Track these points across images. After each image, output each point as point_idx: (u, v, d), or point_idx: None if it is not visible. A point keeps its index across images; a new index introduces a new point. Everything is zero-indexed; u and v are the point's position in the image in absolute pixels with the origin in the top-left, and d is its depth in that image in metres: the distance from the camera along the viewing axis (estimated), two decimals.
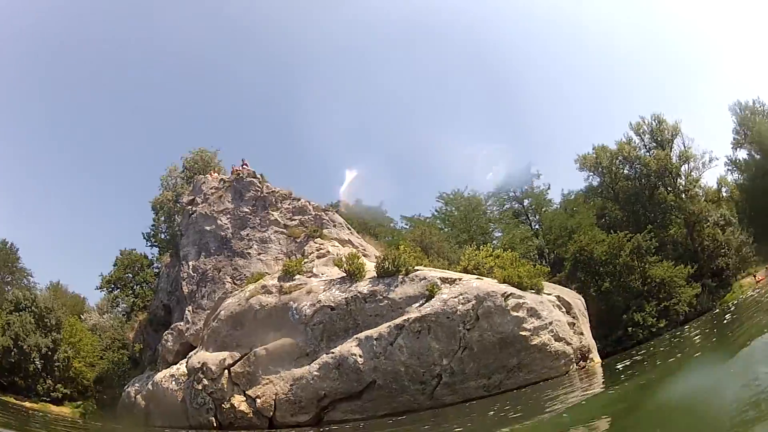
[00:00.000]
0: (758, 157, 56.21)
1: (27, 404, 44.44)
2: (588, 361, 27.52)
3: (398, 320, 25.60)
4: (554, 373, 24.64)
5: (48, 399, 46.19)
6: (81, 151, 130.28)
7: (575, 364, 25.91)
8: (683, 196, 51.61)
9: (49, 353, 47.59)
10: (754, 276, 48.21)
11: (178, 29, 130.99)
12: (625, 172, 53.21)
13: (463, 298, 25.09)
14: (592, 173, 54.11)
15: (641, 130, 53.73)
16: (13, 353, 47.21)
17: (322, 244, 36.09)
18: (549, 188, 58.32)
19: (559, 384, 23.08)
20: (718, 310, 41.96)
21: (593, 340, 29.57)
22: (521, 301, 24.96)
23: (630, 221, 50.19)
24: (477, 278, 27.55)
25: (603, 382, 23.07)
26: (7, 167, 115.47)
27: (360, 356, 25.58)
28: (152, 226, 51.71)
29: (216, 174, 43.84)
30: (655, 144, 53.25)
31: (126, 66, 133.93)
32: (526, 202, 57.86)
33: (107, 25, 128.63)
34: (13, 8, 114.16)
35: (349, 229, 40.02)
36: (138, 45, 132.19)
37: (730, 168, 58.33)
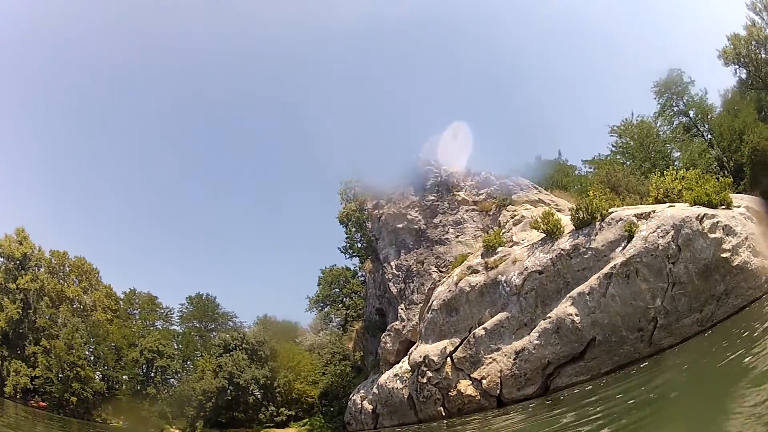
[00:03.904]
0: None
1: None
2: None
3: (605, 269, 28.83)
4: (758, 293, 26.32)
5: (272, 424, 55.48)
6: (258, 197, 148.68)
7: None
8: None
9: (268, 382, 57.06)
10: None
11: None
12: (763, 56, 52.72)
13: (661, 230, 27.72)
14: (736, 66, 54.27)
15: (757, 8, 53.03)
16: (229, 391, 57.35)
17: (514, 210, 40.62)
18: (706, 93, 58.93)
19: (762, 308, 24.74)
20: None
21: None
22: (715, 220, 27.02)
23: None
24: (669, 206, 29.99)
25: None
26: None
27: (576, 315, 29.29)
28: (346, 238, 59.49)
29: None
30: None
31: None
32: (692, 113, 58.68)
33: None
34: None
35: (537, 188, 44.16)
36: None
37: None
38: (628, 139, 60.58)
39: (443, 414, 35.17)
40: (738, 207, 29.58)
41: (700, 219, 27.27)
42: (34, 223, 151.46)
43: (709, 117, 57.99)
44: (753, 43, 52.71)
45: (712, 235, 26.73)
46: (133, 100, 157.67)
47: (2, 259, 64.16)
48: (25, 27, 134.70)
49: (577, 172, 62.62)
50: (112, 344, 65.99)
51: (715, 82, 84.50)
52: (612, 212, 31.05)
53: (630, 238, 28.77)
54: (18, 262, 63.96)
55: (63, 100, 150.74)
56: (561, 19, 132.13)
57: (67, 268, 73.44)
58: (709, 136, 56.80)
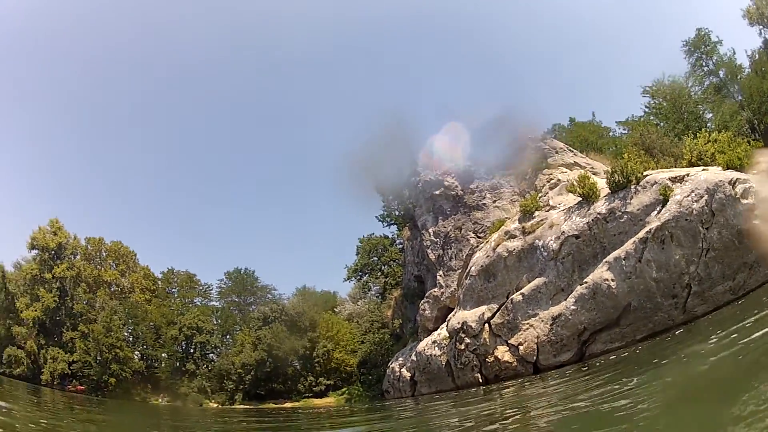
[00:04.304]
0: None
1: (288, 405, 54.90)
2: None
3: (641, 234, 29.11)
4: None
5: (311, 394, 56.70)
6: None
7: None
8: None
9: (307, 352, 58.16)
10: None
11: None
12: None
13: (695, 195, 27.94)
14: (761, 26, 53.92)
15: None
16: (268, 363, 58.54)
17: (550, 173, 40.95)
18: (734, 54, 58.58)
19: None
20: None
21: None
22: (747, 185, 27.33)
23: None
24: (703, 170, 30.03)
25: None
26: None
27: (612, 280, 29.60)
28: (383, 206, 60.16)
29: None
30: None
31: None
32: (721, 74, 58.21)
33: None
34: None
35: (572, 151, 44.37)
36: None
37: None
38: (660, 99, 60.43)
39: (480, 380, 35.73)
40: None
41: (733, 183, 27.45)
42: (69, 214, 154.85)
43: (738, 78, 57.76)
44: None
45: (744, 201, 27.03)
46: (167, 83, 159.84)
47: (37, 251, 65.48)
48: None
49: (611, 133, 62.99)
50: (151, 324, 67.33)
51: (742, 43, 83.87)
52: (647, 175, 31.25)
53: (665, 201, 29.05)
54: (53, 252, 65.31)
55: (95, 90, 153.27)
56: None
57: (104, 253, 75.19)
58: (740, 97, 56.55)
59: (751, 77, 55.21)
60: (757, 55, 56.82)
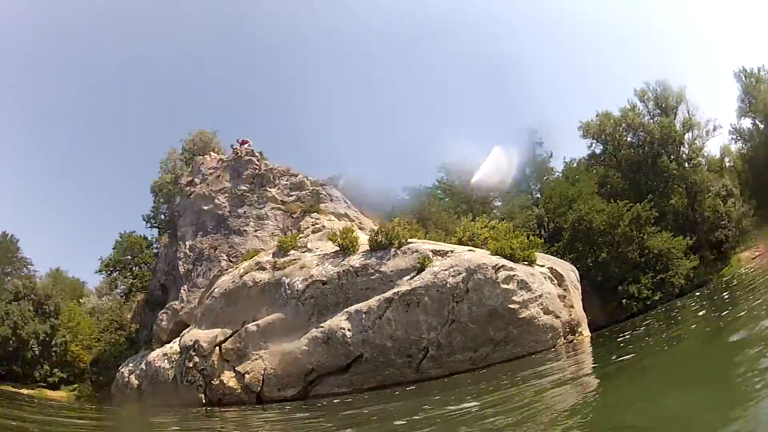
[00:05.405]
0: (762, 126, 61.11)
1: (24, 391, 51.06)
2: (576, 334, 31.18)
3: (388, 293, 29.91)
4: (541, 347, 28.20)
5: (45, 384, 53.02)
6: (80, 138, 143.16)
7: (563, 338, 29.64)
8: (686, 165, 57.06)
9: (47, 339, 54.50)
10: (756, 248, 53.41)
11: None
12: (629, 139, 58.65)
13: (454, 270, 29.07)
14: (595, 141, 59.30)
15: (645, 97, 58.56)
16: (11, 342, 54.23)
17: (318, 218, 41.31)
18: (551, 156, 63.35)
19: (543, 359, 26.29)
20: (714, 285, 46.49)
21: (584, 313, 33.57)
22: (512, 273, 28.48)
23: (631, 190, 55.21)
24: (469, 250, 31.53)
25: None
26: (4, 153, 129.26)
27: (348, 330, 30.12)
28: (152, 208, 58.16)
29: (215, 155, 49.63)
30: (659, 111, 58.30)
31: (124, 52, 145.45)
32: (527, 171, 62.76)
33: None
34: None
35: (347, 203, 45.20)
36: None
37: (734, 137, 63.53)
38: (453, 178, 62.68)
39: (203, 401, 34.83)
40: (542, 267, 31.73)
41: (497, 268, 28.78)
42: None
43: (544, 178, 61.31)
44: (623, 125, 56.98)
45: (504, 286, 28.29)
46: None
47: None
48: None
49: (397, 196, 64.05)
50: None
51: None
52: (411, 242, 32.34)
53: (421, 270, 29.94)
54: None
55: None
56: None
57: None
58: (538, 195, 59.98)
59: (560, 181, 58.98)
60: (575, 163, 60.80)
